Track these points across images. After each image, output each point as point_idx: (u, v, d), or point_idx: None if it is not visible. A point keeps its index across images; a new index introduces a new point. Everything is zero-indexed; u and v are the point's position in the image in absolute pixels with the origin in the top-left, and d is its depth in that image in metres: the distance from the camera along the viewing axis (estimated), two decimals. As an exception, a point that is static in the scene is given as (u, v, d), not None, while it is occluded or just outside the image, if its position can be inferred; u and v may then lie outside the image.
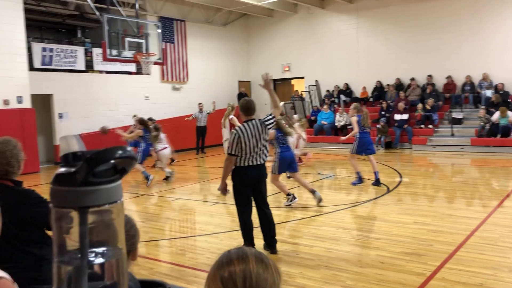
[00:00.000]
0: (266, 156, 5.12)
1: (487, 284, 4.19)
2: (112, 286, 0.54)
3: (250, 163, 5.01)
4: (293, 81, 21.26)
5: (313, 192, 7.53)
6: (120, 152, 0.51)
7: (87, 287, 0.49)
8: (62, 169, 0.51)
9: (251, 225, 5.27)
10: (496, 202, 7.55)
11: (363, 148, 9.15)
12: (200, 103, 16.54)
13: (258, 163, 5.05)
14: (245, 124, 5.02)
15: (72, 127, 14.22)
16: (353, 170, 9.50)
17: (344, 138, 10.17)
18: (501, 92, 14.90)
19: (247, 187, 5.10)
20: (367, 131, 9.27)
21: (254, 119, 5.08)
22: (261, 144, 5.01)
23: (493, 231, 5.82)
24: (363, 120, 9.16)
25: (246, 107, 5.13)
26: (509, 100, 14.66)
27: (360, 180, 9.29)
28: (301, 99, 19.17)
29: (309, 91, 19.13)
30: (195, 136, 16.26)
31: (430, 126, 15.33)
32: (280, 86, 21.36)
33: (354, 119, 9.14)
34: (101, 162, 0.50)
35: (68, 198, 0.50)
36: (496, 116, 13.89)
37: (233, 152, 4.96)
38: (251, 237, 5.28)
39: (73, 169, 0.50)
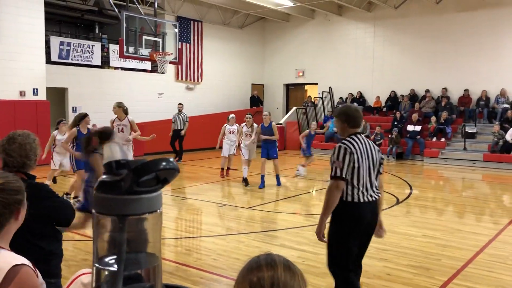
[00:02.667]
0: (379, 192, 3.61)
1: (495, 303, 4.15)
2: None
3: (366, 198, 3.44)
4: (306, 87, 21.26)
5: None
6: (164, 163, 0.52)
7: (122, 293, 0.49)
8: (106, 177, 0.52)
9: None
10: (507, 219, 7.46)
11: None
12: (179, 103, 14.63)
13: (374, 198, 3.50)
14: (354, 137, 3.51)
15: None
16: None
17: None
18: (516, 108, 14.75)
19: (358, 235, 3.50)
20: None
21: (361, 133, 3.62)
22: (375, 172, 3.54)
23: (503, 249, 5.76)
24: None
25: (353, 115, 3.60)
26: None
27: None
28: (314, 105, 19.15)
29: (322, 98, 19.11)
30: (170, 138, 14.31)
31: (443, 139, 15.22)
32: (293, 91, 21.38)
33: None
34: (147, 173, 0.50)
35: (112, 205, 0.51)
36: (510, 132, 13.76)
37: (343, 175, 3.38)
38: None
39: (117, 178, 0.51)
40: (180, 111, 14.46)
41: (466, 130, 14.91)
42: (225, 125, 11.29)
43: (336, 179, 3.40)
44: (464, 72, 16.23)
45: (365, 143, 3.52)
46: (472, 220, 7.65)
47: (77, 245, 5.70)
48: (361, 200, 3.42)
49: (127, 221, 0.50)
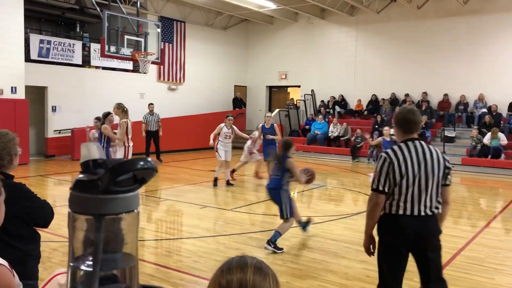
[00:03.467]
0: (439, 207, 3.21)
1: (471, 304, 4.22)
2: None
3: (409, 212, 3.10)
4: (289, 89, 21.35)
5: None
6: (142, 163, 0.51)
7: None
8: (83, 176, 0.51)
9: None
10: (483, 222, 7.61)
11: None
12: (151, 103, 14.28)
13: (423, 213, 3.12)
14: (402, 144, 3.16)
15: (64, 120, 14.16)
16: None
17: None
18: (494, 113, 15.07)
19: (403, 249, 3.18)
20: None
21: (417, 139, 3.19)
22: (432, 183, 3.15)
23: (479, 251, 5.87)
24: None
25: (405, 118, 3.21)
26: (501, 122, 14.83)
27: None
28: (296, 107, 19.24)
29: (304, 100, 19.21)
30: (145, 141, 13.84)
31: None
32: (276, 94, 21.45)
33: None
34: (124, 172, 0.50)
35: (88, 205, 0.50)
36: (487, 137, 14.03)
37: (380, 188, 3.13)
38: None
39: (94, 177, 0.50)
40: (151, 111, 14.16)
41: (445, 134, 15.15)
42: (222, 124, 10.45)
43: (373, 192, 3.18)
44: (443, 77, 16.51)
45: (418, 151, 3.12)
46: (450, 223, 7.76)
47: (54, 246, 5.61)
48: (400, 212, 3.11)
49: (103, 221, 0.50)
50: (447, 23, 16.35)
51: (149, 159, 0.54)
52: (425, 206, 3.12)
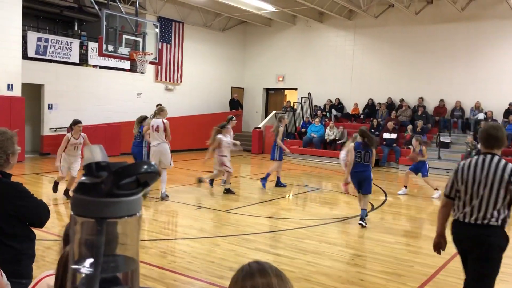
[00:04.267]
0: (496, 217, 3.30)
1: (464, 310, 4.22)
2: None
3: (461, 218, 3.40)
4: (286, 92, 21.37)
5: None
6: (145, 167, 0.52)
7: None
8: (85, 178, 0.52)
9: None
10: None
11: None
12: (159, 104, 13.85)
13: (473, 221, 3.33)
14: (474, 157, 3.46)
15: (61, 119, 14.11)
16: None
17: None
18: (489, 120, 15.13)
19: (460, 253, 3.57)
20: None
21: (494, 154, 3.38)
22: (490, 194, 3.30)
23: (472, 257, 5.88)
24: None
25: (483, 134, 3.47)
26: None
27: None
28: (293, 110, 19.26)
29: (301, 103, 19.24)
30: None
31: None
32: (272, 96, 21.47)
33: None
34: (128, 176, 0.50)
35: (91, 207, 0.51)
36: (482, 143, 14.10)
37: (447, 193, 3.56)
38: None
39: (97, 180, 0.51)
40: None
41: (441, 140, 15.20)
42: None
43: (444, 197, 3.63)
44: (440, 83, 16.58)
45: (484, 163, 3.36)
46: (444, 228, 7.79)
47: (48, 244, 5.59)
48: (456, 218, 3.47)
49: (105, 224, 0.50)
50: (444, 29, 16.43)
51: (153, 162, 0.54)
52: (478, 215, 3.33)
